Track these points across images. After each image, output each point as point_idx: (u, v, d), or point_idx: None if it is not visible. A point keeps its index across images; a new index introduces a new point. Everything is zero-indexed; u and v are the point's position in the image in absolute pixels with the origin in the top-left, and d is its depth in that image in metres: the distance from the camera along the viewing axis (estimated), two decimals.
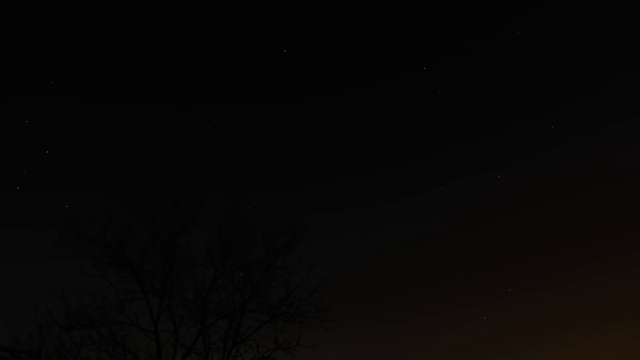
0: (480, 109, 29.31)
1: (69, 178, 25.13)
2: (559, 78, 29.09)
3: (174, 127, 27.77)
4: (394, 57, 29.00)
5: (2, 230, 23.18)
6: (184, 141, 27.69)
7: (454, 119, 29.43)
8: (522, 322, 26.49)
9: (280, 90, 28.43)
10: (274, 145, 28.51)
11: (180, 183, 19.29)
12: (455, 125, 29.42)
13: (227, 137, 27.87)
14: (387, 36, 29.17)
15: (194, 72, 28.13)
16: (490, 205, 28.73)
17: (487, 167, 28.73)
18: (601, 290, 26.21)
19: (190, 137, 27.80)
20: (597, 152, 28.49)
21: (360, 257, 27.64)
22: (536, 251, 27.77)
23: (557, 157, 28.46)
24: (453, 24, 29.18)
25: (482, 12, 29.05)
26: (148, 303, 17.97)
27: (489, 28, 29.12)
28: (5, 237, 23.07)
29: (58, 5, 25.69)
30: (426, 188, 28.56)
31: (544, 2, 28.95)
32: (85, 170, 25.69)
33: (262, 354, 18.39)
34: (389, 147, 29.22)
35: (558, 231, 27.89)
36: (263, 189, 27.29)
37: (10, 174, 24.60)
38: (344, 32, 28.88)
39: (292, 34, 28.16)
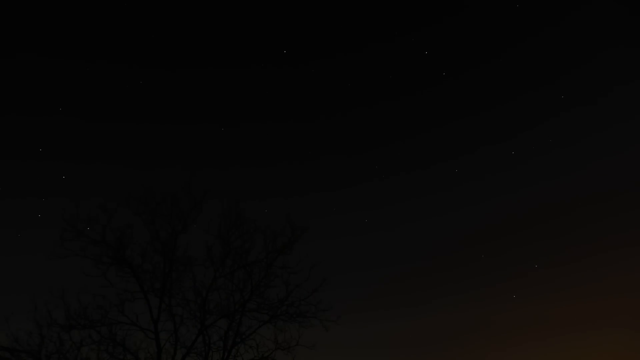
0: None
1: (69, 177, 25.18)
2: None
3: (174, 127, 27.87)
4: (393, 48, 28.81)
5: (2, 230, 23.26)
6: (185, 141, 27.78)
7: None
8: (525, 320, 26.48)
9: (282, 89, 28.45)
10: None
11: (180, 182, 19.30)
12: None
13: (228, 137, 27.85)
14: (385, 30, 28.97)
15: (194, 72, 28.19)
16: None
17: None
18: (601, 290, 26.13)
19: (189, 136, 27.89)
20: None
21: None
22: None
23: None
24: None
25: None
26: (148, 303, 18.00)
27: None
28: (6, 237, 23.15)
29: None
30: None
31: None
32: (86, 170, 25.76)
33: (262, 354, 18.40)
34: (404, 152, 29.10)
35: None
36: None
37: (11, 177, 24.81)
38: (344, 30, 28.80)
39: (292, 34, 28.11)
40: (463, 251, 27.85)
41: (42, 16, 25.77)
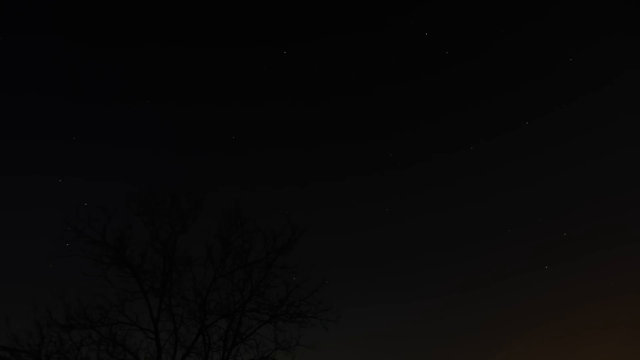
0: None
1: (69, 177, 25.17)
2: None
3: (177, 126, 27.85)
4: (392, 34, 28.28)
5: (2, 230, 23.28)
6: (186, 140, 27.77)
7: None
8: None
9: (283, 90, 28.35)
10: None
11: (181, 182, 19.33)
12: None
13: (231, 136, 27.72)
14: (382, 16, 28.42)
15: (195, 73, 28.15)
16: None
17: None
18: (604, 292, 25.95)
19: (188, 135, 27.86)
20: None
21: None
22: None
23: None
24: None
25: None
26: (148, 303, 18.01)
27: None
28: (5, 236, 23.18)
29: None
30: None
31: None
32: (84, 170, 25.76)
33: (262, 353, 18.40)
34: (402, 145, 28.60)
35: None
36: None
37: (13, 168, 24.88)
38: (343, 28, 28.57)
39: (290, 34, 27.92)
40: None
41: None
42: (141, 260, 18.14)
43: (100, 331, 17.43)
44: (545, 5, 27.67)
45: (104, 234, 17.96)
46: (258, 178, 26.66)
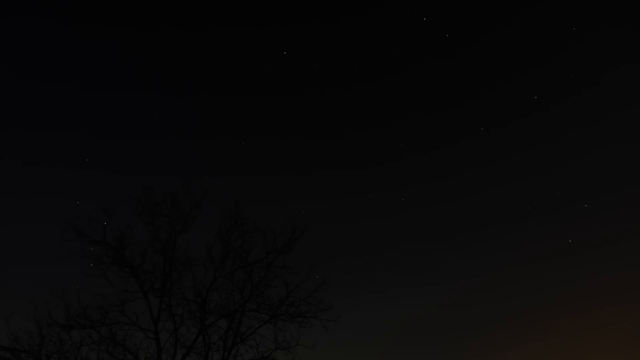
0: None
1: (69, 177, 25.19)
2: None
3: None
4: (390, 21, 28.19)
5: (2, 230, 23.30)
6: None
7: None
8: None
9: (285, 89, 28.34)
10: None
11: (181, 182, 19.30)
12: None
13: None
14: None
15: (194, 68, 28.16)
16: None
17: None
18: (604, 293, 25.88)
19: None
20: None
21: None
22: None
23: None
24: None
25: None
26: (148, 303, 18.01)
27: None
28: (6, 236, 23.19)
29: None
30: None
31: None
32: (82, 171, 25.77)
33: (262, 353, 18.40)
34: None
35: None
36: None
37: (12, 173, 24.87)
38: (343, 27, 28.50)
39: (289, 35, 27.91)
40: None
41: None
42: (141, 260, 18.15)
43: (100, 331, 17.45)
44: None
45: (104, 234, 18.01)
46: (260, 169, 26.80)
